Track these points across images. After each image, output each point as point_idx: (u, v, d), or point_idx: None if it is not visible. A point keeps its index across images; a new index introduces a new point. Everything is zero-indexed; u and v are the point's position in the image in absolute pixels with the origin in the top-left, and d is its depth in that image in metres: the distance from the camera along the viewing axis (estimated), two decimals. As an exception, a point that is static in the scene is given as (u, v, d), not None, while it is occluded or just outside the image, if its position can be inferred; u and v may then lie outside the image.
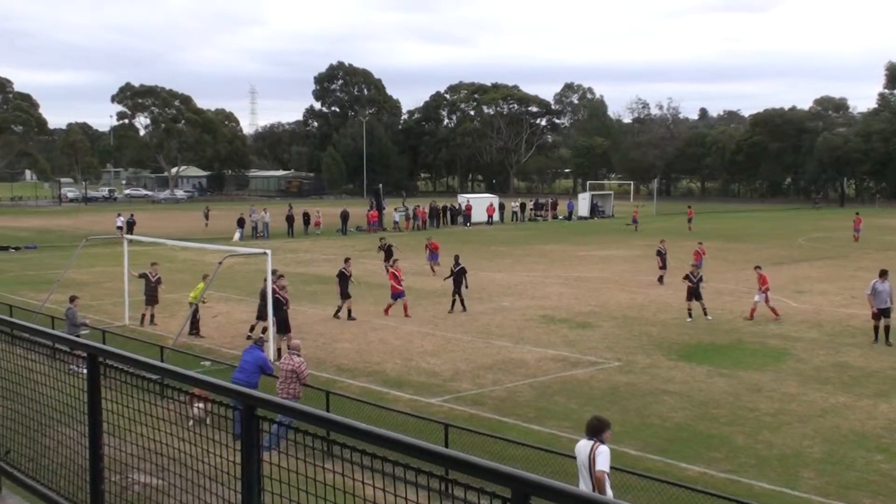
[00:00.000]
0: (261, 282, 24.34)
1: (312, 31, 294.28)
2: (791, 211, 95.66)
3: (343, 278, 28.24)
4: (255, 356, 16.48)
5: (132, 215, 60.74)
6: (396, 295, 28.50)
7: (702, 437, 15.95)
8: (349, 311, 28.02)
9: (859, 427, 16.43)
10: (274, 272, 23.38)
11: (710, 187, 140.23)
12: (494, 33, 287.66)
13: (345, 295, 28.08)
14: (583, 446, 10.17)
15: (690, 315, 27.49)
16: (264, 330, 22.38)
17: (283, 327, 22.90)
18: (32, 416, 5.70)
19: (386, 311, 28.48)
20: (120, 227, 60.65)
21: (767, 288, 27.62)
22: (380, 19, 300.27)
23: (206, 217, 71.62)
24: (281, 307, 22.93)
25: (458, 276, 29.37)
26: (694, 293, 27.87)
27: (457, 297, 29.23)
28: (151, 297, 27.26)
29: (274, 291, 22.73)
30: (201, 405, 4.49)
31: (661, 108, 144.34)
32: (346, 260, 29.65)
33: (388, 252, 37.34)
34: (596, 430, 10.16)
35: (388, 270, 31.32)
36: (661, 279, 35.38)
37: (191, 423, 4.75)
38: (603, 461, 9.89)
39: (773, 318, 27.15)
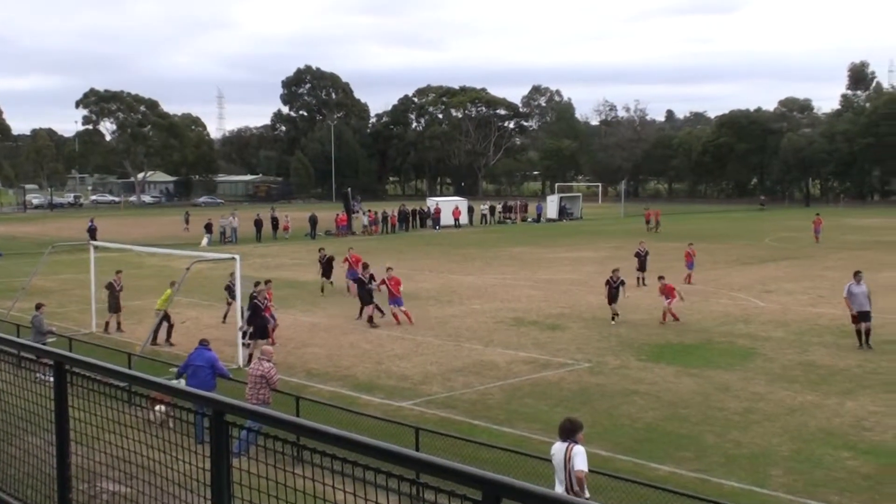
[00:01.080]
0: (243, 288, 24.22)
1: (281, 36, 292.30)
2: (741, 212, 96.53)
3: (362, 285, 28.15)
4: (206, 357, 16.26)
5: (92, 220, 59.80)
6: (395, 301, 27.92)
7: (671, 436, 16.02)
8: (370, 318, 27.52)
9: (826, 425, 16.60)
10: (268, 282, 23.98)
11: (677, 188, 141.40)
12: (463, 36, 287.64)
13: (366, 300, 27.82)
14: (558, 448, 10.21)
15: (614, 318, 27.29)
16: (246, 335, 22.58)
17: (261, 333, 22.72)
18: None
19: (396, 318, 27.68)
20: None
21: (673, 297, 27.24)
22: (348, 22, 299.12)
23: (187, 222, 70.74)
24: (260, 313, 22.78)
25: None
26: (613, 297, 27.60)
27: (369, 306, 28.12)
28: (115, 305, 27.04)
29: (256, 297, 22.82)
30: (161, 408, 4.46)
31: (628, 110, 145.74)
32: (365, 266, 29.22)
33: (327, 265, 34.79)
34: (569, 432, 10.21)
35: (330, 284, 33.49)
36: (642, 280, 35.20)
37: (154, 426, 4.72)
38: (581, 461, 9.94)
39: (663, 321, 26.97)
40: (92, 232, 56.22)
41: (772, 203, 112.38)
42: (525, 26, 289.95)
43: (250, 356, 21.49)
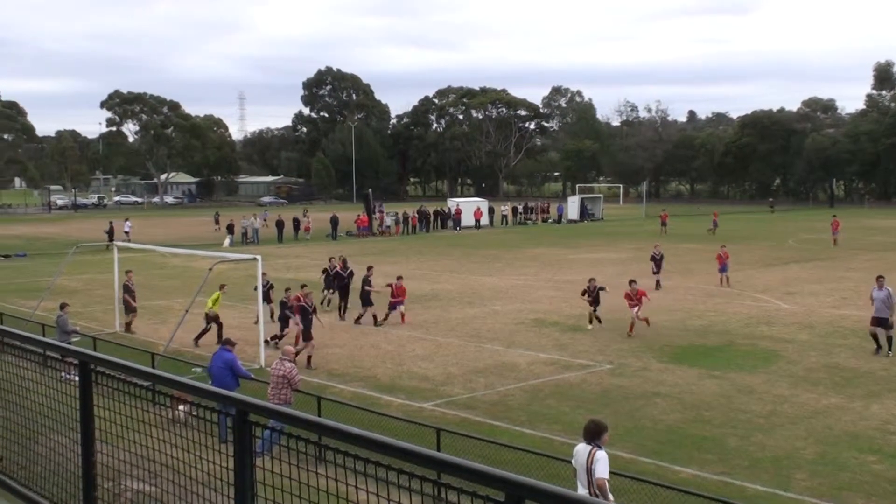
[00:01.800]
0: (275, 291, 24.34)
1: (296, 38, 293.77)
2: (761, 213, 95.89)
3: (364, 284, 28.13)
4: (224, 358, 16.29)
5: (111, 223, 60.08)
6: (395, 304, 28.08)
7: (694, 439, 15.96)
8: (374, 317, 27.66)
9: (851, 428, 16.47)
10: (303, 286, 23.93)
11: (699, 189, 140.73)
12: (483, 37, 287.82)
13: (367, 302, 27.86)
14: (581, 450, 10.18)
15: (591, 322, 26.83)
16: (275, 337, 22.72)
17: (307, 335, 22.86)
18: (24, 423, 5.69)
19: (403, 319, 27.98)
20: (127, 232, 60.77)
21: (640, 303, 25.99)
22: (367, 24, 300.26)
23: (217, 222, 70.88)
24: (307, 314, 22.98)
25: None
26: (594, 301, 27.01)
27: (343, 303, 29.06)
28: (130, 306, 27.14)
29: (299, 300, 23.13)
30: (184, 407, 4.49)
31: (649, 110, 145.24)
32: (369, 268, 29.28)
33: (336, 279, 30.99)
34: (594, 434, 10.15)
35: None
36: (658, 284, 34.93)
37: (177, 425, 4.76)
38: (602, 468, 9.89)
39: (630, 332, 25.54)
40: (111, 233, 56.63)
41: (795, 204, 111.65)
42: (545, 27, 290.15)
43: (309, 358, 22.11)
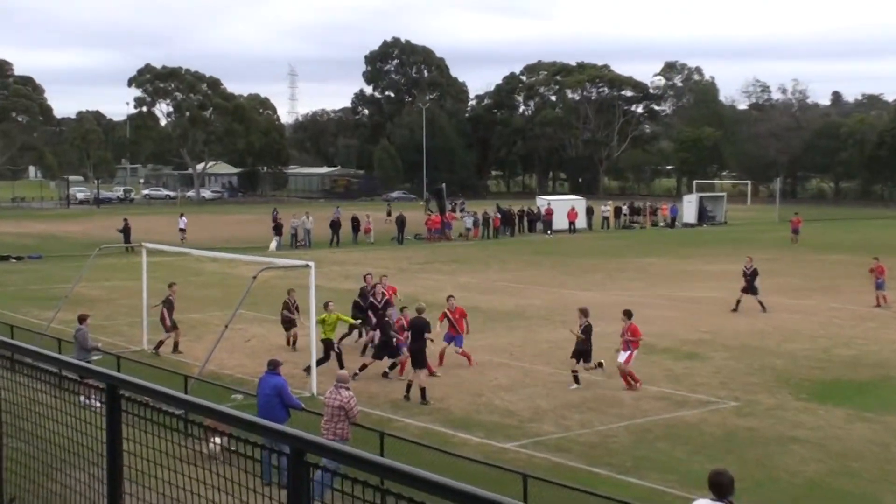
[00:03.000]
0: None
1: (358, 3, 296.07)
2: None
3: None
4: (273, 384, 16.33)
5: (126, 220, 60.99)
6: (454, 339, 25.81)
7: (839, 495, 15.73)
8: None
9: None
10: (420, 310, 23.16)
11: (845, 188, 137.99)
12: (572, 4, 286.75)
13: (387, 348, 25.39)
14: (703, 506, 9.91)
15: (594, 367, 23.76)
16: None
17: (419, 360, 22.19)
18: (39, 456, 5.75)
19: (469, 360, 25.80)
20: (182, 230, 62.33)
21: (636, 344, 23.37)
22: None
23: (275, 220, 69.93)
24: (423, 333, 22.54)
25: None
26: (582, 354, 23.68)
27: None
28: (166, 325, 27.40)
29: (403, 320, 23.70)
30: (219, 440, 4.48)
31: (784, 91, 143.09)
32: (394, 292, 28.98)
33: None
34: (722, 489, 9.80)
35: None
36: (762, 305, 33.94)
37: (212, 461, 4.77)
38: None
39: (626, 388, 22.87)
40: (126, 232, 57.45)
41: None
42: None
43: (423, 391, 21.64)
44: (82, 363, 5.80)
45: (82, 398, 5.49)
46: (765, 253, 55.01)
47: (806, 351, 27.13)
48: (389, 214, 68.80)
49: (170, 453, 4.85)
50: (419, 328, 22.54)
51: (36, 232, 73.86)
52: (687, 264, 50.57)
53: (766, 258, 51.69)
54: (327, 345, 24.42)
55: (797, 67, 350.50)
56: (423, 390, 21.64)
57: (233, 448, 4.34)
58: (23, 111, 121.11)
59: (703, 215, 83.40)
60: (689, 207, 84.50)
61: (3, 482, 5.98)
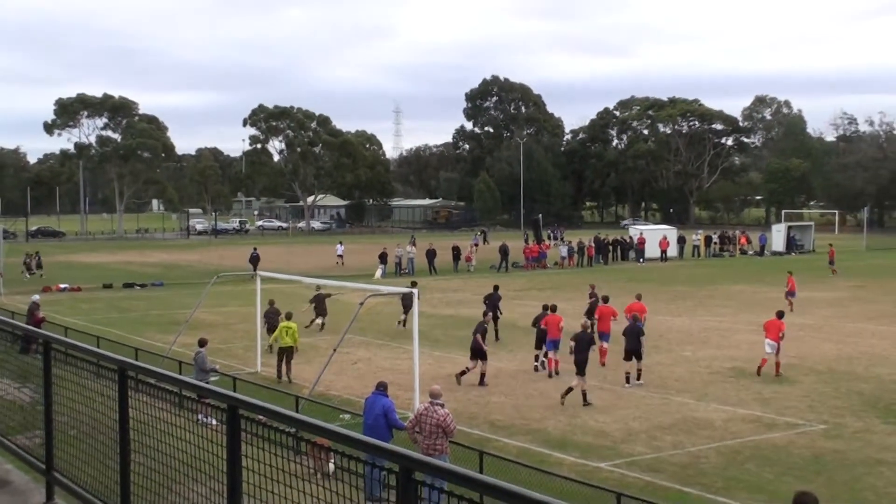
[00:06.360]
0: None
1: (448, 43, 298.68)
2: None
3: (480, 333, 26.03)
4: (381, 405, 16.20)
5: (255, 249, 62.00)
6: (551, 342, 26.72)
7: (929, 518, 15.19)
8: (482, 375, 25.59)
9: None
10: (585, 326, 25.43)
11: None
12: (653, 41, 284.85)
13: (481, 354, 25.65)
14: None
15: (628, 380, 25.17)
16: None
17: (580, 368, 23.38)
18: (161, 469, 5.90)
19: (554, 364, 26.74)
20: (340, 256, 66.20)
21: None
22: (521, 28, 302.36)
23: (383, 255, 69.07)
24: (587, 346, 23.95)
25: None
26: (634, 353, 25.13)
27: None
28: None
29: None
30: (334, 460, 4.58)
31: (871, 123, 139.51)
32: (485, 314, 28.31)
33: (320, 304, 35.02)
34: None
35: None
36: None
37: (325, 477, 4.85)
38: None
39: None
40: (255, 261, 58.44)
41: None
42: (733, 28, 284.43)
43: (585, 394, 23.06)
44: (207, 385, 5.95)
45: (199, 416, 5.63)
46: (852, 280, 53.84)
47: (893, 376, 26.41)
48: (485, 242, 68.86)
49: (284, 469, 4.95)
50: (584, 341, 23.91)
51: (158, 261, 75.65)
52: (775, 291, 49.42)
53: (853, 285, 50.62)
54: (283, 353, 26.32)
55: (884, 100, 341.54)
56: (584, 393, 23.06)
57: (336, 463, 4.41)
58: (148, 149, 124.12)
59: (791, 244, 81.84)
60: (777, 236, 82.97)
61: (131, 495, 6.15)
